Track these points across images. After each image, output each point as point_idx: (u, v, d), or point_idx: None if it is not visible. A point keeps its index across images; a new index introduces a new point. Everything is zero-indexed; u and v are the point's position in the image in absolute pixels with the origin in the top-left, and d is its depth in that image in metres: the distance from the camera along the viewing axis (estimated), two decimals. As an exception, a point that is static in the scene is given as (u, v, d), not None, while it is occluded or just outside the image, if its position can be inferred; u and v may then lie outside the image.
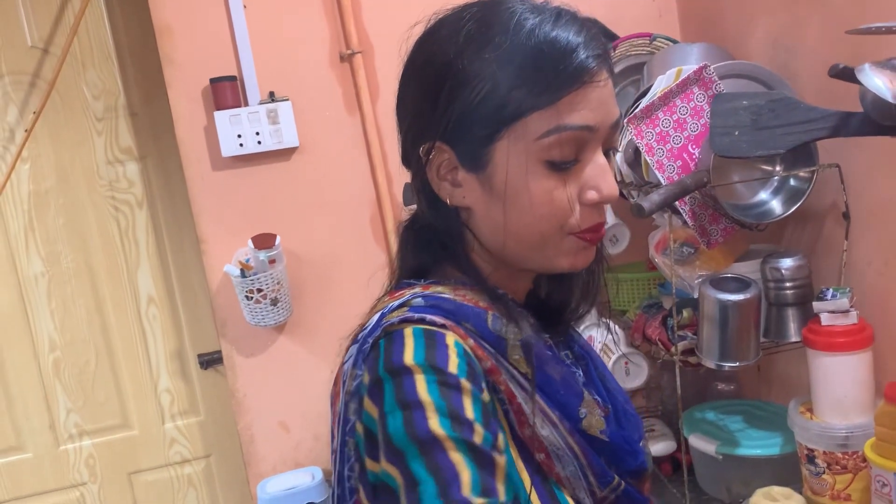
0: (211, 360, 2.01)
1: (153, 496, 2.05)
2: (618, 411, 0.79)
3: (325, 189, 1.80)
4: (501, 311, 0.73)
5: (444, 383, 0.63)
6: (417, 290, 0.73)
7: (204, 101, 1.74)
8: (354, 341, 0.72)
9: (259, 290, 1.70)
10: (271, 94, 1.74)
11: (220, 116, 1.69)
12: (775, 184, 1.37)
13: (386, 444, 0.62)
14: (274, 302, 1.72)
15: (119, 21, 1.89)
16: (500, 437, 0.65)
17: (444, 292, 0.73)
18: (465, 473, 0.59)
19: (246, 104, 1.73)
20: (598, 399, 0.78)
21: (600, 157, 0.69)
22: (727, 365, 1.33)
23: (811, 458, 1.30)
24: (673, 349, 1.42)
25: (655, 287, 1.68)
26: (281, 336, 1.84)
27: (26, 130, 1.76)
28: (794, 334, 1.36)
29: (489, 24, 0.68)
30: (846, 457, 1.26)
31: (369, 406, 0.65)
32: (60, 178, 1.90)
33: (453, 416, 0.61)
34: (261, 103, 1.72)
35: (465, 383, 0.64)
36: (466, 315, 0.70)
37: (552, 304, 0.83)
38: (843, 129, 0.85)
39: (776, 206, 1.34)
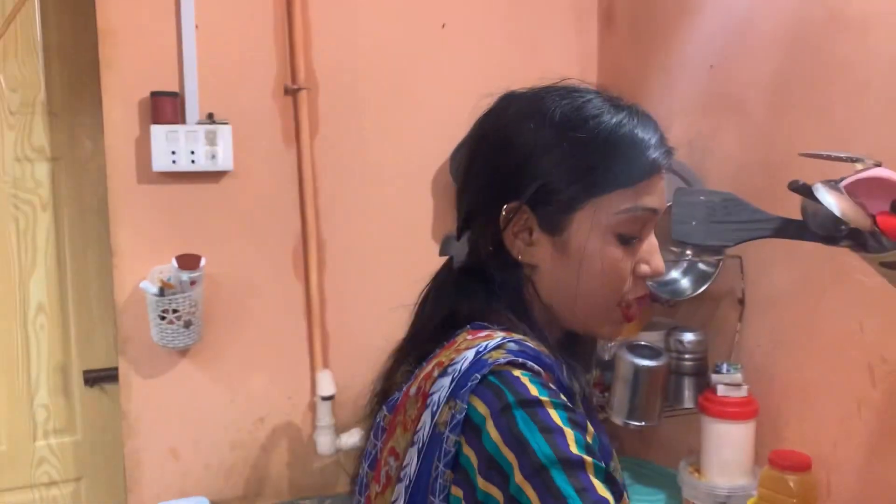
0: (98, 378, 1.92)
1: (10, 519, 1.90)
2: None
3: (252, 216, 1.80)
4: (565, 365, 0.78)
5: (573, 420, 0.68)
6: (501, 334, 0.77)
7: (140, 111, 1.70)
8: (443, 374, 0.75)
9: (174, 311, 1.66)
10: (210, 115, 1.73)
11: (157, 130, 1.66)
12: (685, 265, 1.55)
13: (524, 462, 0.64)
14: (187, 324, 1.69)
15: (52, 16, 1.82)
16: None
17: (526, 340, 0.77)
18: (609, 497, 0.63)
19: (183, 121, 1.71)
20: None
21: (653, 238, 0.81)
22: (633, 423, 1.47)
23: (696, 514, 1.46)
24: (583, 406, 1.54)
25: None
26: (183, 360, 1.79)
27: (-63, 114, 1.65)
28: (688, 401, 1.53)
29: (581, 109, 0.78)
30: (727, 514, 1.42)
31: (493, 432, 0.67)
32: (-41, 168, 1.78)
33: (588, 448, 0.66)
34: (199, 123, 1.71)
35: (588, 424, 0.70)
36: (548, 365, 0.75)
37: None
38: (783, 231, 1.00)
39: (686, 285, 1.52)
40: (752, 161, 1.49)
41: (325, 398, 1.73)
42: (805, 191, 0.91)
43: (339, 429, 1.83)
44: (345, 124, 1.86)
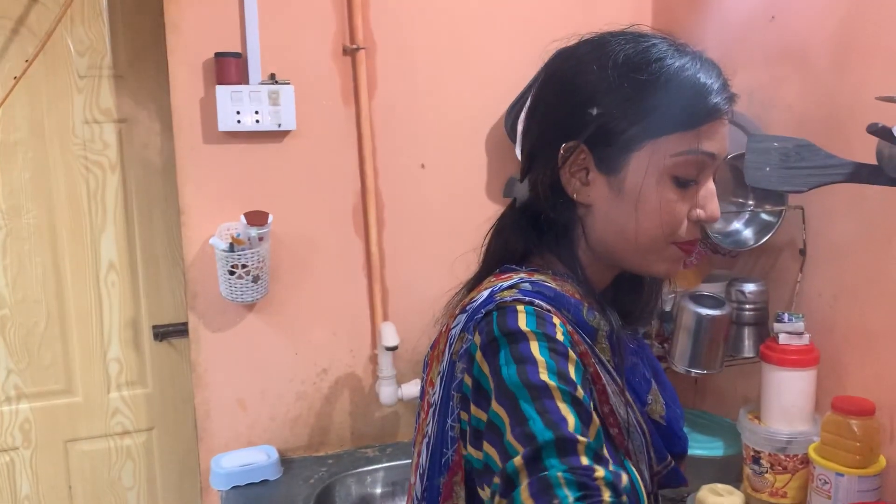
0: (166, 332, 2.00)
1: (88, 466, 2.00)
2: (668, 400, 0.92)
3: (314, 175, 1.85)
4: (594, 304, 0.84)
5: (554, 349, 0.73)
6: (523, 275, 0.83)
7: (204, 73, 1.75)
8: (462, 311, 0.82)
9: (244, 266, 1.72)
10: (272, 75, 1.77)
11: (222, 91, 1.70)
12: (747, 216, 1.56)
13: (498, 388, 0.71)
14: (255, 279, 1.75)
15: (115, -21, 1.86)
16: (591, 404, 0.75)
17: (547, 281, 0.83)
18: (571, 418, 0.68)
19: (246, 82, 1.75)
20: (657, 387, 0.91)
21: (711, 183, 0.82)
22: (695, 371, 1.50)
23: (756, 459, 1.49)
24: (643, 355, 1.58)
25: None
26: (250, 314, 1.85)
27: (15, 77, 1.70)
28: (748, 350, 1.55)
29: (644, 53, 0.80)
30: (787, 459, 1.45)
31: (481, 361, 0.74)
32: (33, 132, 1.84)
33: (561, 375, 0.71)
34: (262, 83, 1.75)
35: (570, 353, 0.74)
36: (566, 304, 0.81)
37: (620, 304, 0.92)
38: (857, 176, 1.02)
39: (748, 235, 1.53)
40: (815, 112, 1.48)
41: (388, 348, 1.78)
42: (885, 133, 0.93)
43: (399, 380, 1.89)
44: (401, 83, 1.89)
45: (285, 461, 1.86)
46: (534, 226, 0.87)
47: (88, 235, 1.92)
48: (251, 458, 1.80)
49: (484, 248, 0.94)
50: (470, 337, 0.77)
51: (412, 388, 1.87)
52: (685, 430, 1.42)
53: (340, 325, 1.92)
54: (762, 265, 1.65)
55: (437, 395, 0.81)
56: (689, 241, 0.83)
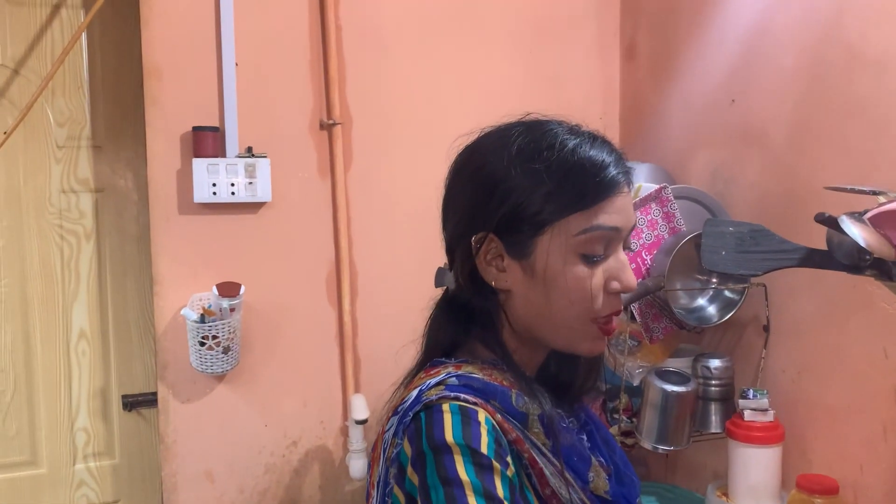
0: (136, 402, 1.97)
1: (49, 541, 1.95)
2: (619, 472, 0.93)
3: (288, 245, 1.87)
4: (523, 389, 0.84)
5: (479, 464, 0.74)
6: (451, 369, 0.84)
7: (182, 145, 1.78)
8: (394, 413, 0.83)
9: (214, 337, 1.72)
10: (249, 148, 1.80)
11: (199, 163, 1.74)
12: (711, 293, 1.59)
13: None
14: (226, 350, 1.75)
15: (97, 53, 1.90)
16: None
17: (474, 372, 0.84)
18: None
19: (223, 155, 1.78)
20: (602, 461, 0.91)
21: (621, 254, 0.85)
22: (662, 448, 1.51)
23: (725, 537, 1.48)
24: (612, 430, 1.58)
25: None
26: (220, 385, 1.85)
27: (-8, 149, 1.73)
28: (715, 426, 1.56)
29: (537, 141, 0.83)
30: (755, 537, 1.45)
31: (412, 475, 0.75)
32: (9, 200, 1.85)
33: (488, 496, 0.72)
34: (238, 156, 1.78)
35: (496, 464, 0.75)
36: (494, 393, 0.82)
37: (561, 379, 0.94)
38: (809, 261, 1.05)
39: (712, 312, 1.56)
40: (774, 192, 1.53)
41: (358, 422, 1.78)
42: (831, 222, 0.96)
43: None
44: (376, 157, 1.93)
45: (252, 536, 1.83)
46: (460, 316, 0.89)
47: (60, 304, 1.92)
48: (217, 533, 1.77)
49: (423, 339, 0.94)
50: (400, 442, 0.78)
51: (383, 461, 1.85)
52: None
53: (311, 395, 1.91)
54: (728, 341, 1.67)
55: (374, 501, 0.82)
56: (609, 317, 0.85)
